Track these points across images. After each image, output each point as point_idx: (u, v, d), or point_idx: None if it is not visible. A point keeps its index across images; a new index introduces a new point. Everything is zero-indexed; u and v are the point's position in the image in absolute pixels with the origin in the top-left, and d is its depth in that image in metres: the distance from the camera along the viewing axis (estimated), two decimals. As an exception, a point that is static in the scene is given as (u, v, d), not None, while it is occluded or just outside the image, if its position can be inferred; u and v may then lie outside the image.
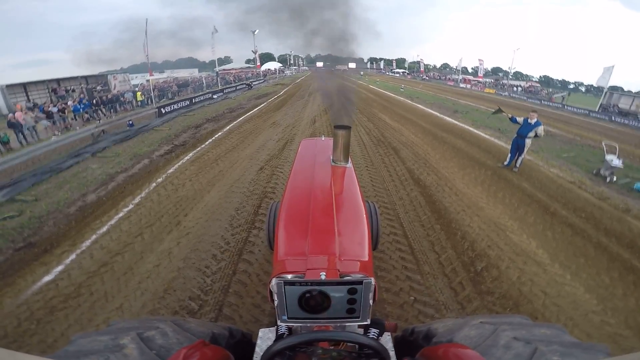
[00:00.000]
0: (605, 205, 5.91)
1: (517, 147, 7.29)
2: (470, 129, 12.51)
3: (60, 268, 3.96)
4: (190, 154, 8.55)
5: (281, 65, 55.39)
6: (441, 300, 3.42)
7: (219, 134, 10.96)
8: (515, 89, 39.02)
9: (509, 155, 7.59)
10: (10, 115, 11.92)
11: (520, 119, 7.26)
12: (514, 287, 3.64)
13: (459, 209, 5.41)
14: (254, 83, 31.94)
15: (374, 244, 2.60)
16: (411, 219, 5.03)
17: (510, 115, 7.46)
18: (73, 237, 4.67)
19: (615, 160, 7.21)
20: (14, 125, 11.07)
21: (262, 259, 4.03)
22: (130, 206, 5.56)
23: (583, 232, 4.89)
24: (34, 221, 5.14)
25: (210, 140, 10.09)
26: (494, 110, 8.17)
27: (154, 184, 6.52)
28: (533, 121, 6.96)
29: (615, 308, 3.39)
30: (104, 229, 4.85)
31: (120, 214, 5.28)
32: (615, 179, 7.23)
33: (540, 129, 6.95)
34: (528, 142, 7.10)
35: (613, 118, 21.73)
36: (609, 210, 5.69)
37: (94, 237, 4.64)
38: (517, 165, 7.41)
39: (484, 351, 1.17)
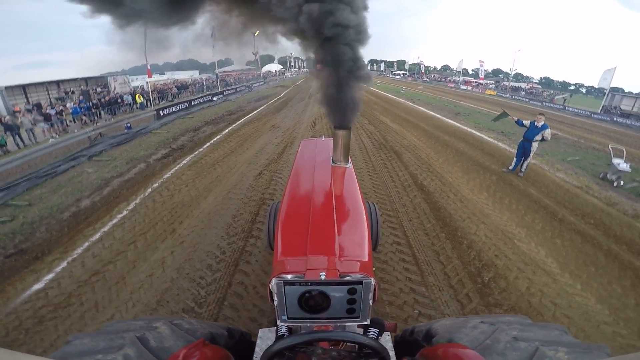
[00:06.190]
0: (614, 211, 5.77)
1: (524, 151, 7.12)
2: (473, 131, 12.37)
3: (50, 276, 3.87)
4: (188, 158, 8.42)
5: (281, 67, 55.37)
6: (447, 313, 3.28)
7: (218, 137, 10.83)
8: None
9: (515, 159, 7.41)
10: (8, 117, 11.83)
11: (526, 122, 7.07)
12: (522, 298, 3.52)
13: (465, 216, 5.25)
14: (254, 85, 31.87)
15: (374, 244, 2.59)
16: (415, 227, 4.87)
17: (515, 119, 7.28)
18: (65, 244, 4.55)
19: (622, 164, 7.06)
20: (11, 128, 10.96)
21: (259, 269, 3.87)
22: (125, 212, 5.41)
23: (593, 239, 4.76)
24: (26, 227, 5.03)
25: (208, 143, 9.96)
26: (498, 114, 7.96)
27: (150, 190, 6.37)
28: (540, 124, 6.80)
29: (628, 319, 3.30)
30: (97, 236, 4.72)
31: (114, 221, 5.14)
32: (622, 183, 7.07)
33: (547, 132, 6.79)
34: (535, 145, 6.94)
35: (615, 119, 21.60)
36: (618, 216, 5.56)
37: (86, 244, 4.51)
38: (523, 169, 7.24)
39: (484, 350, 1.16)
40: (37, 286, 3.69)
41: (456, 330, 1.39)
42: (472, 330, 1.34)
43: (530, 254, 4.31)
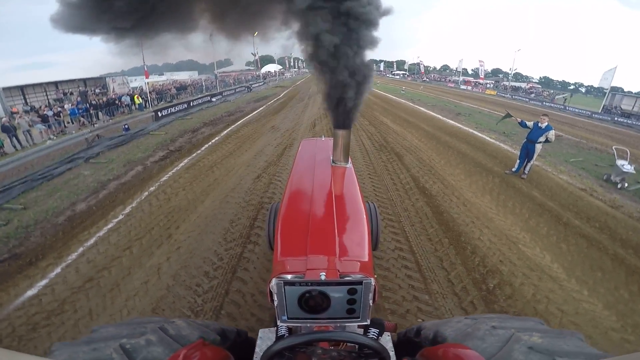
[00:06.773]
0: (619, 214, 5.68)
1: (527, 153, 7.03)
2: (474, 132, 12.28)
3: (44, 282, 3.80)
4: (186, 160, 8.31)
5: (281, 67, 55.25)
6: (452, 322, 3.17)
7: (216, 138, 10.73)
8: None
9: (518, 161, 7.32)
10: (5, 118, 11.73)
11: (530, 123, 6.96)
12: (529, 305, 3.44)
13: (468, 221, 5.14)
14: (253, 86, 31.77)
15: (374, 244, 2.57)
16: (418, 232, 4.76)
17: (519, 120, 7.18)
18: (59, 249, 4.47)
19: (626, 166, 6.97)
20: (8, 130, 10.86)
21: (257, 277, 3.77)
22: (120, 217, 5.32)
23: (598, 243, 4.68)
24: (20, 231, 4.96)
25: (206, 145, 9.85)
26: (503, 116, 7.88)
27: (146, 193, 6.27)
28: (544, 125, 6.69)
29: (636, 325, 3.23)
30: (92, 241, 4.64)
31: (110, 225, 5.04)
32: (626, 185, 6.98)
33: (551, 134, 6.68)
34: (538, 147, 6.84)
35: (616, 119, 21.55)
36: (624, 219, 5.48)
37: (80, 249, 4.43)
38: (526, 171, 7.14)
39: (465, 337, 1.24)
40: (31, 292, 3.62)
41: (442, 325, 1.44)
42: (456, 324, 1.40)
43: (536, 259, 4.21)
